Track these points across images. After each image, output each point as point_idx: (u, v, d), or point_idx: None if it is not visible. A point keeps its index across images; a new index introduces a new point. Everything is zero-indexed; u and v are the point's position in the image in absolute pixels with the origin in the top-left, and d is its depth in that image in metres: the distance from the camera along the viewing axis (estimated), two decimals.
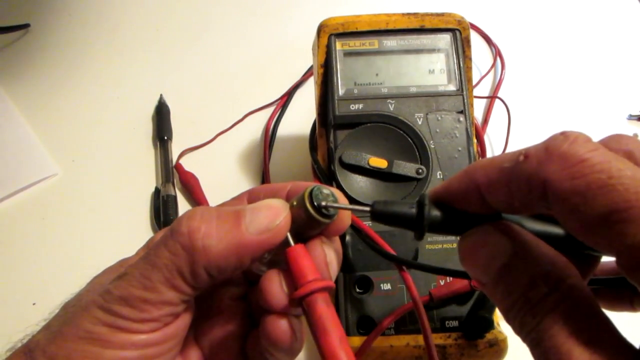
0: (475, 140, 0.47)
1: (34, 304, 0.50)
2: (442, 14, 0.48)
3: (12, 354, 0.26)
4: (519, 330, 0.21)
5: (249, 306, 0.32)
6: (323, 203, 0.27)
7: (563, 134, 0.21)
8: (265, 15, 0.70)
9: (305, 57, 0.54)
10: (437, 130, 0.46)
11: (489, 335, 0.41)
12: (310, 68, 0.64)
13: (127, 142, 0.60)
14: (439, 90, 0.46)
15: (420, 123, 0.46)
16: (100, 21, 0.69)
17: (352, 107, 0.45)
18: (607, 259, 0.24)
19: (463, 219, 0.25)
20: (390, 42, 0.48)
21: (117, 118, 0.62)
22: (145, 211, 0.56)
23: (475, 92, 0.58)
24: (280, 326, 0.27)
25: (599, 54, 0.68)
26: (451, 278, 0.42)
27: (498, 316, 0.43)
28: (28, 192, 0.57)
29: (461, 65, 0.47)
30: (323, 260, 0.28)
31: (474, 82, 0.57)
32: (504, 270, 0.22)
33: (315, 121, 0.50)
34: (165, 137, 0.59)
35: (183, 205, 0.56)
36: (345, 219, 0.29)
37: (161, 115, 0.61)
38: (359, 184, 0.45)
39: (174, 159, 0.59)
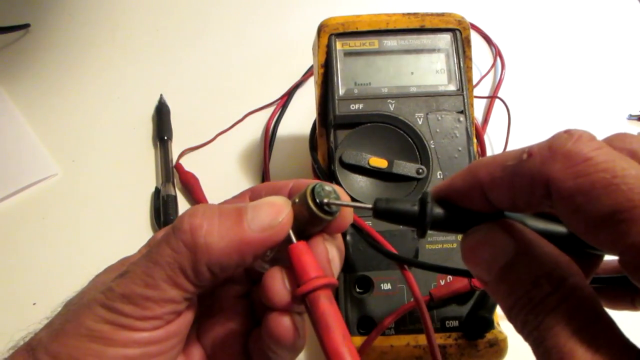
0: (475, 140, 0.47)
1: (34, 304, 0.50)
2: (442, 14, 0.48)
3: (15, 352, 0.26)
4: (521, 329, 0.21)
5: (252, 304, 0.32)
6: (325, 200, 0.27)
7: (567, 132, 0.21)
8: (265, 15, 0.70)
9: (305, 57, 0.55)
10: (438, 130, 0.46)
11: (489, 335, 0.41)
12: (310, 68, 0.64)
13: (127, 142, 0.60)
14: (439, 90, 0.46)
15: (420, 123, 0.46)
16: (100, 21, 0.69)
17: (353, 107, 0.46)
18: (609, 258, 0.24)
19: (465, 217, 0.25)
20: (391, 42, 0.48)
21: (117, 118, 0.62)
22: (145, 211, 0.56)
23: (476, 92, 0.58)
24: (283, 323, 0.27)
25: (599, 54, 0.68)
26: (451, 278, 0.42)
27: (498, 316, 0.43)
28: (28, 192, 0.57)
29: (461, 65, 0.47)
30: (325, 257, 0.28)
31: (474, 82, 0.57)
32: (507, 269, 0.22)
33: (315, 121, 0.50)
34: (166, 137, 0.59)
35: (183, 205, 0.56)
36: (347, 215, 0.29)
37: (161, 115, 0.61)
38: (359, 184, 0.45)
39: (174, 158, 0.59)
